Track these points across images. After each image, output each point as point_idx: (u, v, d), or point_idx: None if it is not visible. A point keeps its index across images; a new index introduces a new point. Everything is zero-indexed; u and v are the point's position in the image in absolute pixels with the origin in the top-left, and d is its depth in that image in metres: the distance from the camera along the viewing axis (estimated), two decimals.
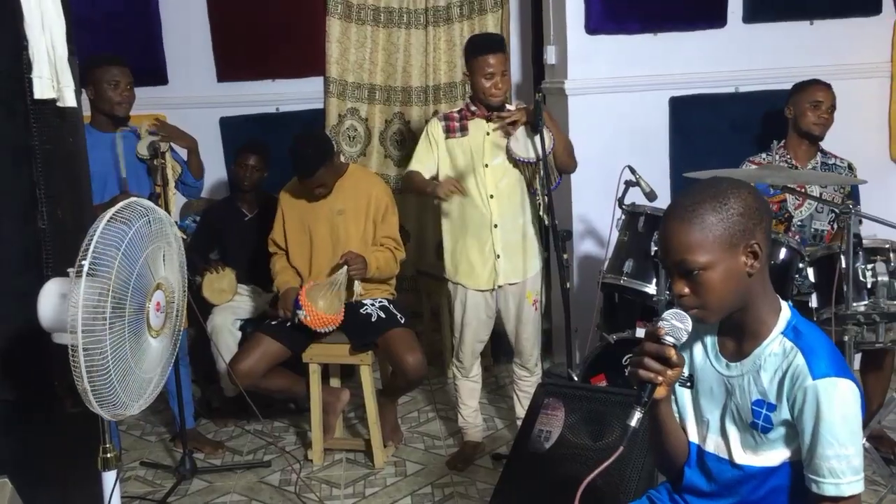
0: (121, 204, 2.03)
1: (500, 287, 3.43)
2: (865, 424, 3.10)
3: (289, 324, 3.45)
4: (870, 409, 3.31)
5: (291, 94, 4.85)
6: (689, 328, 1.58)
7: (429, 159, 3.43)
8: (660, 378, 1.56)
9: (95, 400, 1.92)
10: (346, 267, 3.41)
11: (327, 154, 3.46)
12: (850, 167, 3.71)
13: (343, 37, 4.78)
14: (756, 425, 1.63)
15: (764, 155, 3.68)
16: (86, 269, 1.87)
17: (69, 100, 2.44)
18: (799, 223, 3.65)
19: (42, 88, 2.33)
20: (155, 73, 4.68)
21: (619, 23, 4.12)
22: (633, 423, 1.54)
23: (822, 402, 1.53)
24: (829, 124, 3.67)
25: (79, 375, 1.87)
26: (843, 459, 1.52)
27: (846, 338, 2.92)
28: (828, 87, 3.68)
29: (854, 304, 2.89)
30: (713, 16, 4.17)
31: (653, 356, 1.57)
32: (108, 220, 1.95)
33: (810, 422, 1.55)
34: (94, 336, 1.90)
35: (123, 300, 1.99)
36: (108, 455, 2.17)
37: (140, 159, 3.49)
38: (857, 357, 3.37)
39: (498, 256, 3.39)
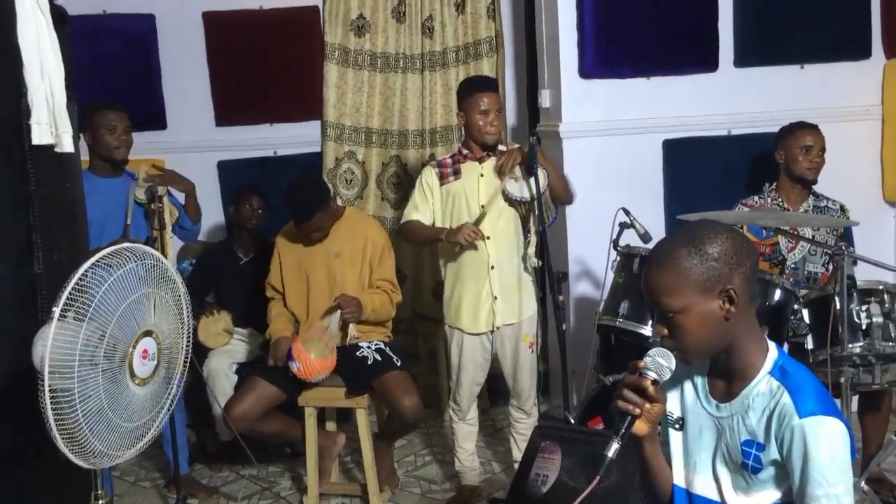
0: (107, 250, 2.02)
1: (497, 329, 3.43)
2: (865, 467, 3.10)
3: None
4: (868, 452, 3.29)
5: (289, 138, 4.89)
6: (673, 366, 1.61)
7: (425, 208, 3.46)
8: (637, 410, 1.58)
9: (66, 445, 1.90)
10: (339, 311, 3.42)
11: (323, 198, 3.48)
12: (843, 209, 3.71)
13: (340, 81, 4.84)
14: (747, 465, 1.63)
15: (756, 198, 3.70)
16: (56, 314, 1.87)
17: (67, 145, 2.47)
18: (792, 266, 3.65)
19: (40, 134, 2.36)
20: (154, 117, 4.73)
21: (612, 67, 4.17)
22: (610, 453, 1.56)
23: (809, 441, 1.53)
24: (822, 166, 3.69)
25: (47, 421, 1.86)
26: (832, 499, 1.52)
27: (842, 379, 2.91)
28: (815, 128, 3.68)
29: (849, 346, 2.88)
30: (705, 60, 4.23)
31: (631, 388, 1.60)
32: (94, 267, 1.95)
33: (798, 461, 1.55)
34: (63, 383, 1.89)
35: (98, 347, 1.96)
36: (100, 502, 2.15)
37: (138, 203, 3.50)
38: (855, 399, 3.36)
39: (495, 298, 3.40)
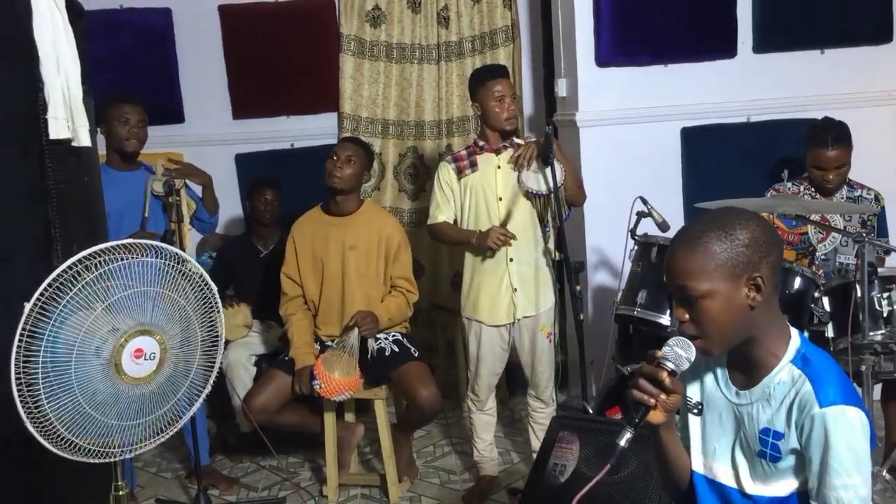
0: (93, 249, 2.01)
1: (518, 321, 3.42)
2: (887, 455, 3.07)
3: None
4: (891, 440, 3.26)
5: (306, 130, 4.89)
6: (692, 357, 1.58)
7: (448, 208, 3.47)
8: (652, 401, 1.56)
9: (39, 433, 1.91)
10: (356, 328, 3.43)
11: (368, 150, 3.71)
12: (878, 198, 3.64)
13: (356, 73, 4.84)
14: (764, 454, 1.62)
15: (790, 184, 3.62)
16: (26, 310, 1.87)
17: (84, 139, 2.48)
18: (822, 257, 3.60)
19: (57, 129, 2.38)
20: (171, 111, 4.74)
21: (629, 55, 4.14)
22: (623, 442, 1.54)
23: (829, 431, 1.51)
24: (842, 179, 3.56)
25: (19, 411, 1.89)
26: (850, 489, 1.50)
27: (863, 367, 2.88)
28: (839, 148, 3.49)
29: (870, 334, 2.85)
30: (723, 46, 4.18)
31: (648, 378, 1.57)
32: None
33: (818, 450, 1.53)
34: (29, 377, 1.90)
35: (73, 344, 1.96)
36: (120, 493, 2.17)
37: (155, 196, 3.52)
38: (878, 387, 3.32)
39: (515, 290, 3.39)
